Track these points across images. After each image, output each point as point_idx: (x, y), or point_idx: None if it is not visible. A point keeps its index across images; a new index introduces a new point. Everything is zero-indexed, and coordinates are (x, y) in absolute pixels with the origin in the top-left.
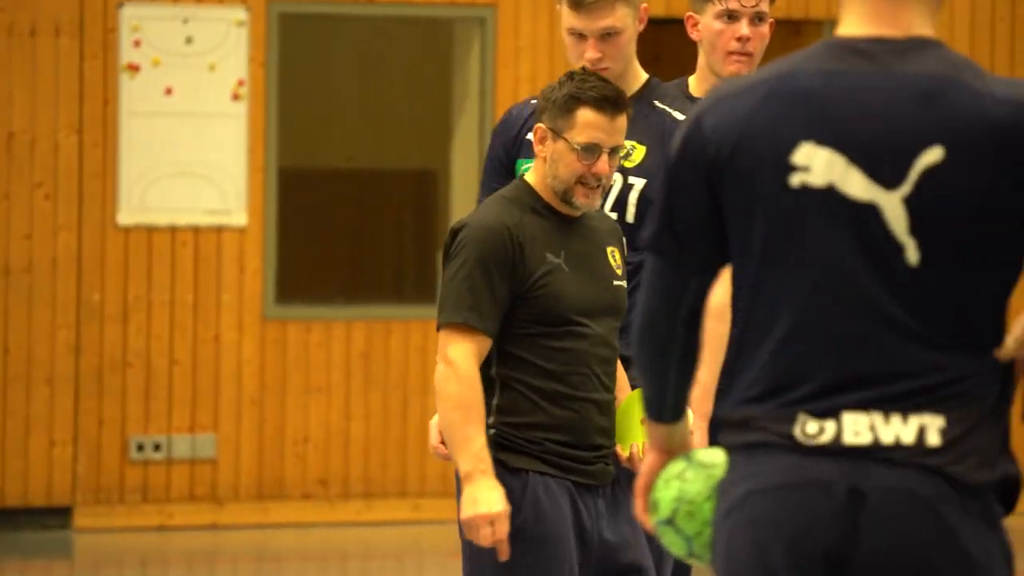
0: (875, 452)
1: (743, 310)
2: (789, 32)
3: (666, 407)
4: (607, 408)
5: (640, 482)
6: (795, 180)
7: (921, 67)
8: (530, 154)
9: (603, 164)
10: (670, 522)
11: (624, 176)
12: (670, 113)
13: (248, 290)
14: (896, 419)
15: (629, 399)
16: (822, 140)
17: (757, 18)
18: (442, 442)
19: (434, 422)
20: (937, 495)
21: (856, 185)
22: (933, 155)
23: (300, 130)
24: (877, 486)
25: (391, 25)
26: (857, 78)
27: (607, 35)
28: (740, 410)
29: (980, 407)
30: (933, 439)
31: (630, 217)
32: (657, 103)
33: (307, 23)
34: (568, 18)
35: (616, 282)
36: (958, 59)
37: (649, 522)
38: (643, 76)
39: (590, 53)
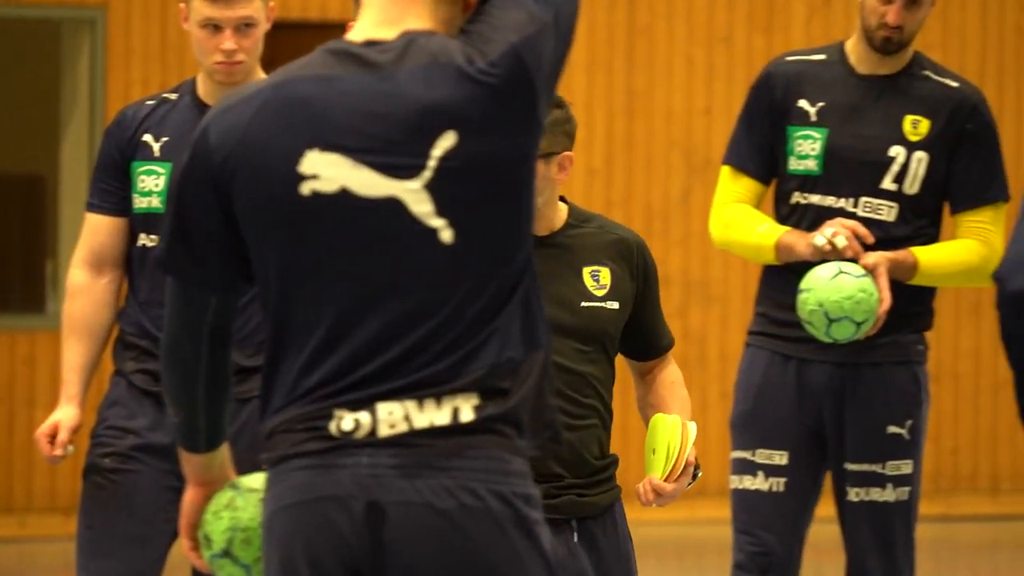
0: (409, 439)
1: (274, 323)
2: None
3: (199, 435)
4: (568, 435)
5: (184, 521)
6: (305, 189)
7: (413, 61)
8: (146, 156)
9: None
10: (227, 553)
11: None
12: None
13: None
14: (430, 404)
15: (650, 429)
16: (326, 146)
17: (244, 26)
18: None
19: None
20: (459, 508)
21: (369, 184)
22: (447, 140)
23: None
24: (396, 500)
25: None
26: (353, 81)
27: (244, 26)
28: (274, 419)
29: (518, 387)
30: (467, 416)
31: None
32: None
33: None
34: (203, 9)
35: (586, 303)
36: (444, 42)
37: (201, 559)
38: (261, 75)
39: (227, 44)
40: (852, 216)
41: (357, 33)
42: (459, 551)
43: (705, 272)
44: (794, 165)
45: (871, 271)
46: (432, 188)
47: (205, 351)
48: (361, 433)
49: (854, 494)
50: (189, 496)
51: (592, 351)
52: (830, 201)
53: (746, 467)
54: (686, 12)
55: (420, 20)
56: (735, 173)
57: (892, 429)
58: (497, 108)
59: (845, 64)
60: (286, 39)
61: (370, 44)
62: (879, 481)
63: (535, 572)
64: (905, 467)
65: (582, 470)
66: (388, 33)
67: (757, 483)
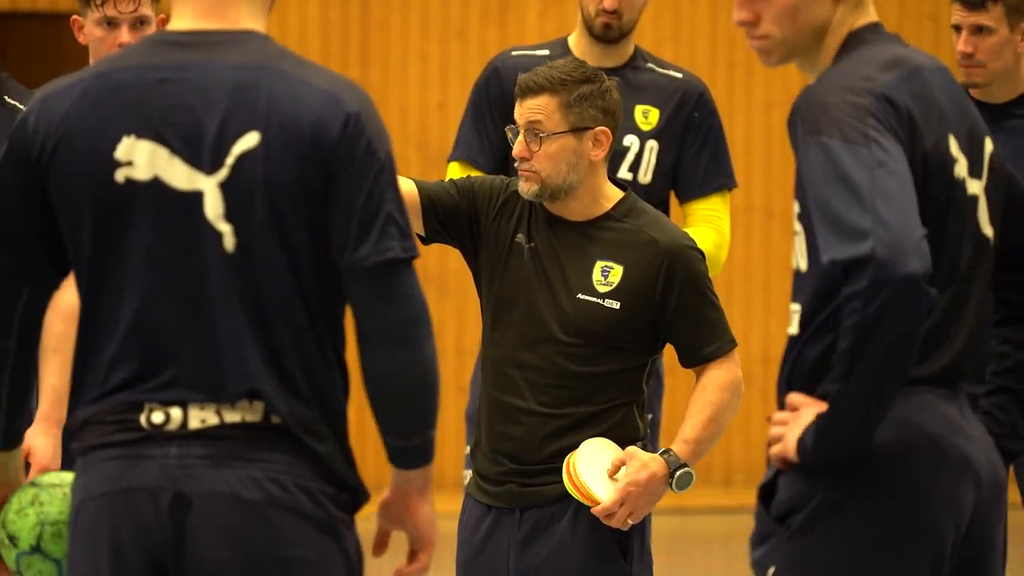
0: (220, 432)
1: (86, 311)
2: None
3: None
4: (521, 419)
5: None
6: (120, 176)
7: (239, 58)
8: None
9: None
10: (36, 549)
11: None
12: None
13: None
14: (243, 403)
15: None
16: (142, 134)
17: (139, 22)
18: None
19: None
20: (266, 499)
21: (180, 175)
22: (248, 141)
23: None
24: (203, 491)
25: None
26: (173, 70)
27: (141, 22)
28: (85, 410)
29: (309, 394)
30: (278, 416)
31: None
32: None
33: None
34: (101, 9)
35: (583, 296)
36: (280, 50)
37: (6, 560)
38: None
39: (124, 38)
40: None
41: (179, 23)
42: (262, 543)
43: (442, 265)
44: None
45: None
46: (224, 188)
47: (12, 345)
48: (172, 426)
49: None
50: None
51: (574, 345)
52: None
53: None
54: (420, 7)
55: (240, 6)
56: (466, 167)
57: None
58: (306, 129)
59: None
60: (15, 30)
61: (193, 34)
62: None
63: (336, 571)
64: None
65: (528, 459)
66: (213, 24)
67: None
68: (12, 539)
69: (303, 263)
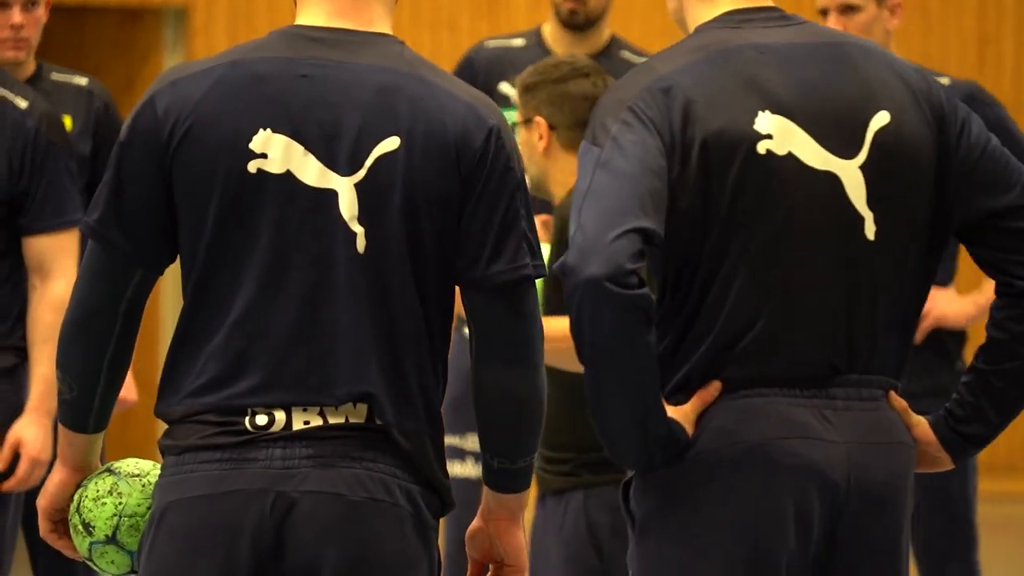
0: (324, 432)
1: (194, 300)
2: (126, 19)
3: (91, 415)
4: None
5: (47, 503)
6: (252, 167)
7: (380, 61)
8: None
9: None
10: (111, 540)
11: None
12: None
13: None
14: (347, 406)
15: None
16: (279, 128)
17: (30, 3)
18: None
19: None
20: (370, 500)
21: (312, 172)
22: (389, 144)
23: None
24: (307, 491)
25: None
26: (314, 67)
27: (32, 3)
28: (182, 405)
29: (418, 399)
30: (379, 421)
31: None
32: None
33: None
34: None
35: None
36: (418, 57)
37: (68, 544)
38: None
39: (16, 19)
40: None
41: (312, 18)
42: (365, 542)
43: None
44: None
45: None
46: (360, 188)
47: (118, 328)
48: (276, 427)
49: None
50: (59, 478)
51: None
52: None
53: (455, 453)
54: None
55: (375, 7)
56: None
57: None
58: (448, 138)
59: (543, 47)
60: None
61: (330, 31)
62: (460, 455)
63: (424, 572)
64: None
65: (544, 442)
66: (349, 23)
67: (467, 469)
68: (87, 527)
69: (429, 271)
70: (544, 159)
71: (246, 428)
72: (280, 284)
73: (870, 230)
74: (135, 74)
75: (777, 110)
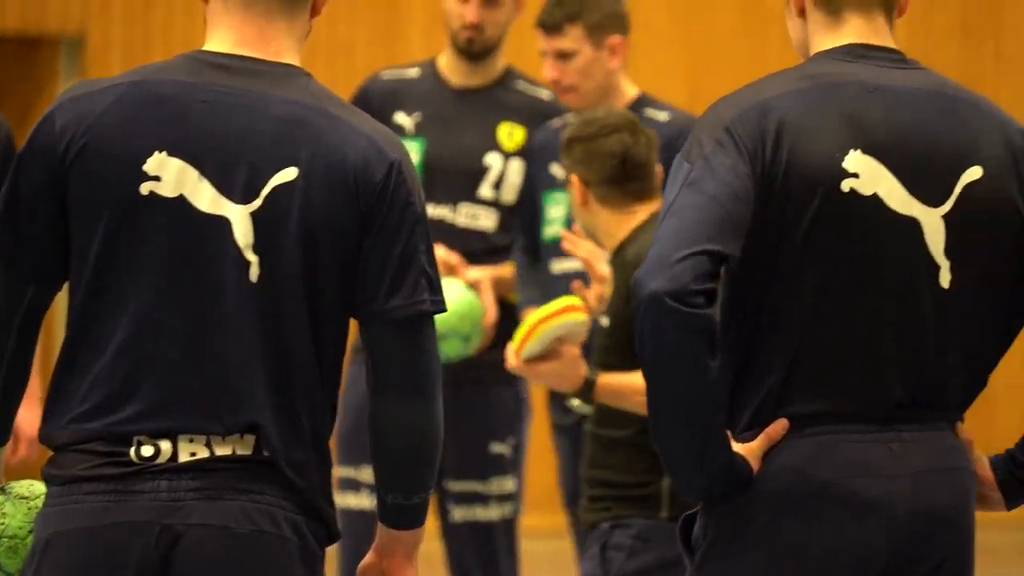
0: (211, 464)
1: (77, 321)
2: (22, 49)
3: None
4: None
5: None
6: (145, 188)
7: (285, 93)
8: None
9: None
10: None
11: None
12: None
13: None
14: (233, 437)
15: None
16: (174, 151)
17: None
18: None
19: None
20: (256, 531)
21: (206, 198)
22: (287, 175)
23: None
24: (193, 523)
25: None
26: (215, 93)
27: None
28: (66, 432)
29: (306, 431)
30: (266, 452)
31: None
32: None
33: None
34: None
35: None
36: (324, 91)
37: None
38: None
39: None
40: (452, 226)
41: (218, 45)
42: (251, 574)
43: None
44: None
45: (474, 285)
46: (255, 217)
47: (12, 342)
48: (162, 459)
49: (458, 513)
50: None
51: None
52: (429, 210)
53: (350, 484)
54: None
55: (283, 38)
56: None
57: (494, 447)
58: (345, 172)
59: (438, 77)
60: None
61: (236, 59)
62: (483, 500)
63: None
64: (508, 485)
65: (585, 488)
66: (256, 52)
67: (362, 501)
68: None
69: (324, 303)
70: (587, 213)
71: (132, 459)
72: (168, 310)
73: (945, 278)
74: (31, 104)
75: (869, 150)
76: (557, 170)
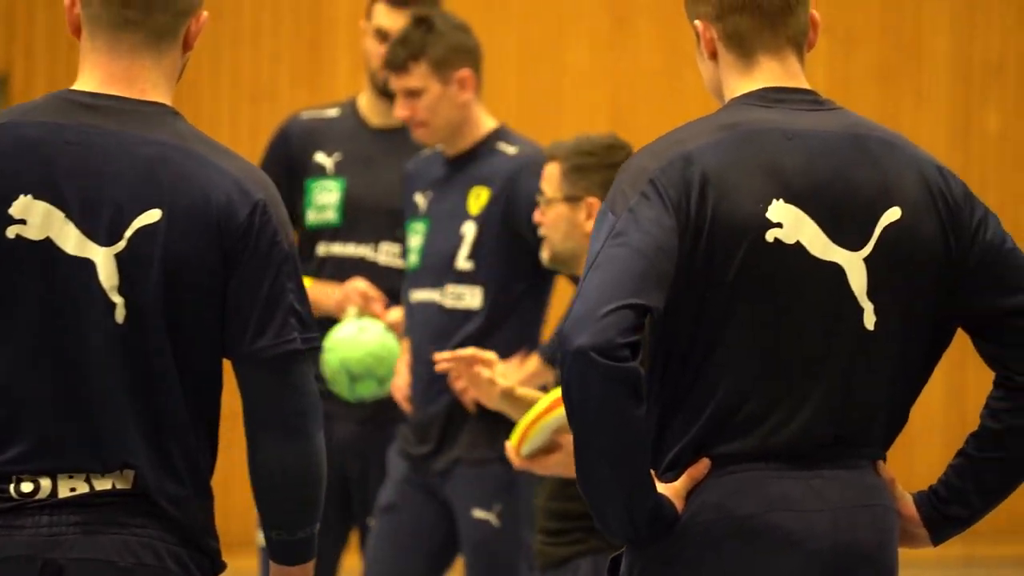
0: (90, 499)
1: None
2: None
3: None
4: None
5: None
6: (11, 232)
7: (149, 132)
8: None
9: None
10: None
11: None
12: None
13: None
14: (114, 473)
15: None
16: (40, 194)
17: None
18: None
19: None
20: (139, 565)
21: (72, 241)
22: (150, 217)
23: None
24: (76, 558)
25: None
26: (81, 133)
27: None
28: None
29: (182, 467)
30: (144, 487)
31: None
32: None
33: None
34: None
35: None
36: (191, 130)
37: None
38: None
39: None
40: (374, 264)
41: (86, 84)
42: None
43: None
44: (313, 218)
45: (394, 327)
46: (122, 260)
47: None
48: (42, 494)
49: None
50: None
51: None
52: (351, 249)
53: None
54: (231, 68)
55: (149, 75)
56: None
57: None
58: (209, 213)
59: (358, 117)
60: None
61: (103, 98)
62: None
63: None
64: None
65: (544, 516)
66: (122, 90)
67: None
68: None
69: (192, 343)
70: (585, 238)
71: (11, 495)
72: (41, 352)
73: (869, 320)
74: None
75: (791, 199)
76: (420, 199)
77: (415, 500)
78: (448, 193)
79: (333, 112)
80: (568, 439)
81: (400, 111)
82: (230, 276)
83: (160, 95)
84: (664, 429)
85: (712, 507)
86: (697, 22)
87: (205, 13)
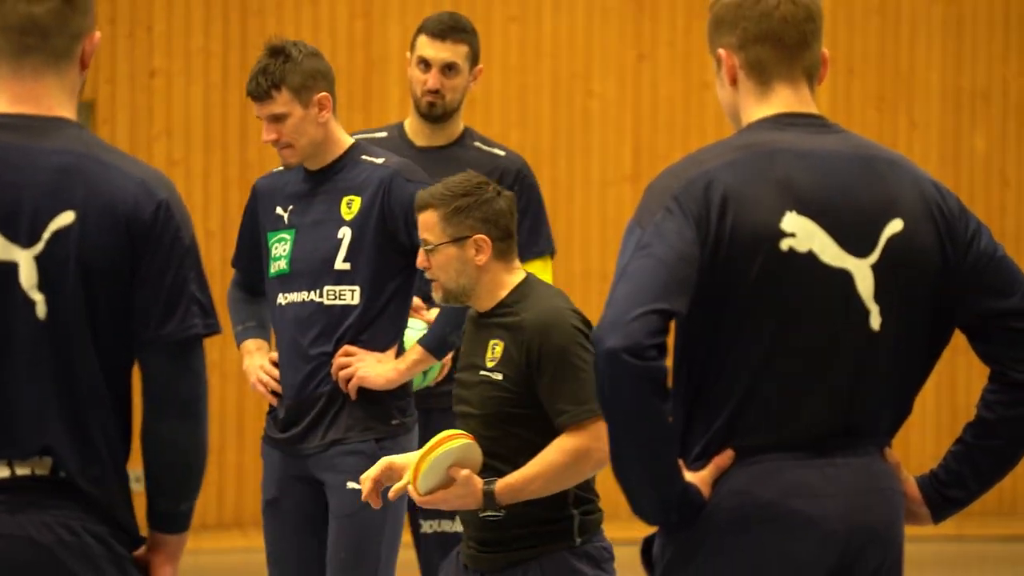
0: (11, 483)
1: None
2: None
3: None
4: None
5: None
6: None
7: (57, 143)
8: None
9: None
10: None
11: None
12: None
13: None
14: (34, 459)
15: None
16: None
17: None
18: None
19: None
20: (57, 542)
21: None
22: (64, 219)
23: None
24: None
25: None
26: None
27: None
28: None
29: (102, 451)
30: (63, 473)
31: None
32: None
33: None
34: None
35: (481, 372)
36: (94, 138)
37: None
38: None
39: None
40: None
41: None
42: None
43: None
44: None
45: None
46: (41, 261)
47: None
48: None
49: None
50: None
51: (483, 414)
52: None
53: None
54: None
55: (54, 94)
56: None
57: None
58: (120, 214)
59: (404, 138)
60: None
61: (11, 117)
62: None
63: None
64: None
65: (475, 527)
66: (30, 109)
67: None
68: None
69: (109, 335)
70: (478, 272)
71: None
72: None
73: (875, 321)
74: None
75: (803, 211)
76: (280, 212)
77: (294, 489)
78: (314, 203)
79: (382, 133)
80: (460, 472)
81: (267, 135)
82: (137, 270)
83: (65, 110)
84: (691, 423)
85: (736, 493)
86: (720, 51)
87: (98, 33)
